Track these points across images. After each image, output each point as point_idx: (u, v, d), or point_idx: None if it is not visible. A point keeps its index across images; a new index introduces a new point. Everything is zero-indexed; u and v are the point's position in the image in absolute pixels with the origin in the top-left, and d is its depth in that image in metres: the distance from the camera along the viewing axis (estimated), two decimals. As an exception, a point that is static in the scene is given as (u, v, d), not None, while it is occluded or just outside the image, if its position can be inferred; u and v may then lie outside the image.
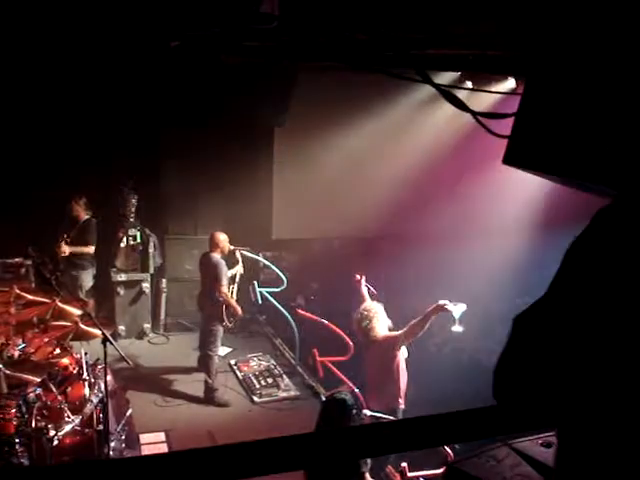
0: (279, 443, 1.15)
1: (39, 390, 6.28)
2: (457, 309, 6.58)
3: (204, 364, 9.04)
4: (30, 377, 6.08)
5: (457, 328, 6.78)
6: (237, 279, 9.56)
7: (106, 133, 9.84)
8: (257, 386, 9.26)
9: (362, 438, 1.17)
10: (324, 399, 5.67)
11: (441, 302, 6.75)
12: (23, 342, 7.16)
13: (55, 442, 5.95)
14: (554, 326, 1.42)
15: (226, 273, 8.96)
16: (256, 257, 10.70)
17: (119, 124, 9.85)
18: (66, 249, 9.91)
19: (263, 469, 1.10)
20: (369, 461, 6.49)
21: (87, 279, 10.35)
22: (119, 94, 9.58)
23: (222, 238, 9.07)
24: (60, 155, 9.74)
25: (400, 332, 6.94)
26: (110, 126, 9.83)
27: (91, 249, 10.15)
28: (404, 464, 6.62)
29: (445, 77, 6.85)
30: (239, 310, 9.09)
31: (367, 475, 6.32)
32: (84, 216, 10.18)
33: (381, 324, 6.98)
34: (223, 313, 8.90)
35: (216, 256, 8.95)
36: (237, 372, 9.63)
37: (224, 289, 8.87)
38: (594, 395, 1.33)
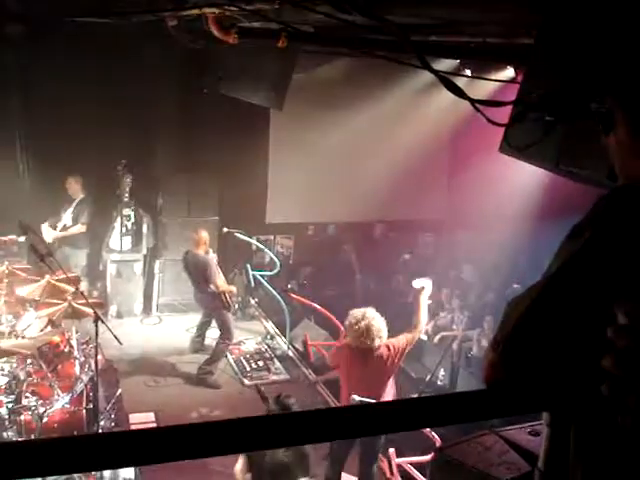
0: (263, 421, 1.15)
1: (29, 367, 6.29)
2: (422, 282, 6.54)
3: (215, 352, 9.09)
4: (21, 352, 6.08)
5: (417, 283, 6.71)
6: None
7: (101, 112, 9.77)
8: (248, 369, 9.29)
9: (351, 418, 1.18)
10: (270, 401, 5.46)
11: (415, 286, 6.61)
12: (14, 319, 7.16)
13: (44, 419, 5.96)
14: (549, 311, 1.43)
15: (216, 267, 8.97)
16: (250, 240, 10.70)
17: (114, 103, 9.78)
18: (56, 235, 9.97)
19: (242, 446, 1.10)
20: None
21: (80, 257, 10.35)
22: (114, 72, 9.53)
23: (204, 235, 9.05)
24: (55, 133, 9.67)
25: (410, 334, 6.43)
26: (105, 105, 9.76)
27: (83, 228, 10.16)
28: (392, 450, 6.66)
29: (444, 64, 6.82)
30: (234, 290, 9.25)
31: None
32: (79, 195, 10.18)
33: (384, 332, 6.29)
34: (225, 301, 8.93)
35: (202, 254, 8.94)
36: (228, 354, 9.65)
37: (219, 282, 8.89)
38: (586, 382, 1.33)
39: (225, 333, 9.05)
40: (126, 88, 9.70)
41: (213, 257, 9.15)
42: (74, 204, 10.19)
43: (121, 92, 9.73)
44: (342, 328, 8.83)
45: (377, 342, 6.16)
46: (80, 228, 10.17)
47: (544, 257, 1.61)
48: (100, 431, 6.41)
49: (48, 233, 9.93)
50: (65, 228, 10.16)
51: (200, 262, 8.88)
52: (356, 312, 6.32)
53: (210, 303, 9.06)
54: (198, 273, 8.94)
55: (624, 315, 1.24)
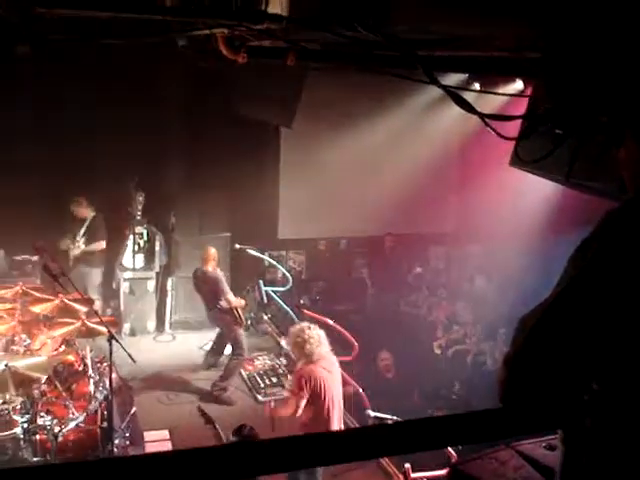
0: (282, 443, 1.15)
1: (44, 386, 6.31)
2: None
3: (229, 368, 9.10)
4: (35, 374, 6.10)
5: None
6: None
7: (113, 131, 9.84)
8: (261, 385, 9.26)
9: (367, 439, 1.18)
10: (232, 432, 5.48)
11: None
12: (29, 339, 7.19)
13: (59, 438, 5.98)
14: (560, 327, 1.43)
15: (225, 282, 9.01)
16: (261, 256, 10.71)
17: (126, 123, 9.85)
18: (77, 251, 10.02)
19: (265, 468, 1.11)
20: None
21: (96, 276, 10.40)
22: (125, 92, 9.61)
23: (212, 252, 9.14)
24: (67, 153, 9.75)
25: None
26: (117, 125, 9.84)
27: (102, 244, 10.23)
28: (407, 465, 6.62)
29: (453, 78, 6.83)
30: (243, 303, 9.28)
31: None
32: (89, 214, 10.22)
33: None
34: (237, 317, 8.96)
35: (210, 270, 8.99)
36: (242, 371, 9.63)
37: (230, 297, 8.92)
38: (601, 397, 1.33)
39: (237, 349, 9.06)
40: (137, 107, 9.78)
41: (221, 274, 9.18)
42: (86, 224, 10.23)
43: (132, 111, 9.80)
44: (355, 343, 8.83)
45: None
46: (99, 245, 10.24)
47: (556, 269, 1.61)
48: (115, 449, 6.42)
49: (70, 249, 9.99)
50: (79, 247, 10.20)
51: (209, 278, 8.93)
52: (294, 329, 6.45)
53: (221, 319, 9.07)
54: (208, 289, 8.99)
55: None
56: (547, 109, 3.28)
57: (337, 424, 6.35)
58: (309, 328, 6.33)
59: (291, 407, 6.21)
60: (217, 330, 9.60)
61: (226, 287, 8.94)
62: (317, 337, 6.26)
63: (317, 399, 6.15)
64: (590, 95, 2.89)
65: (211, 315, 9.28)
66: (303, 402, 6.07)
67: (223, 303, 8.87)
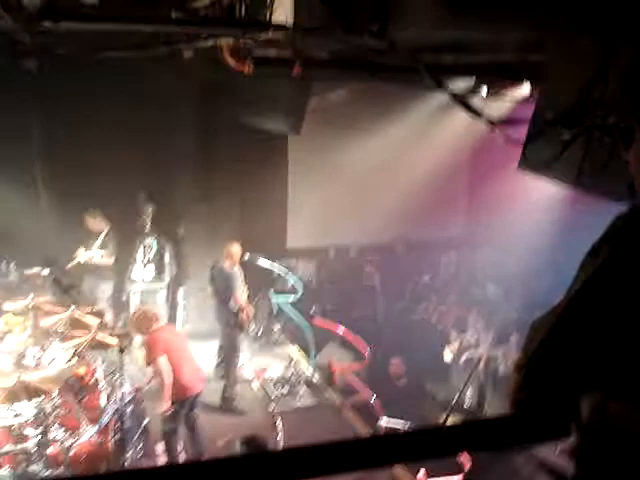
0: (293, 453, 1.14)
1: (56, 400, 6.30)
2: None
3: (226, 375, 9.05)
4: (47, 387, 6.10)
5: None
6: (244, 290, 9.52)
7: (120, 144, 9.87)
8: (273, 395, 9.25)
9: (379, 447, 1.17)
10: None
11: None
12: (40, 352, 7.21)
13: (71, 452, 5.97)
14: (572, 332, 1.41)
15: (240, 282, 8.99)
16: (271, 266, 10.71)
17: (133, 135, 9.89)
18: (88, 258, 9.99)
19: (275, 478, 1.10)
20: None
21: (107, 289, 10.39)
22: (133, 104, 9.64)
23: (235, 250, 9.11)
24: (76, 165, 9.79)
25: None
26: (124, 137, 9.87)
27: (111, 260, 10.20)
28: (422, 471, 6.59)
29: (460, 84, 6.83)
30: (252, 310, 9.22)
31: None
32: (102, 228, 10.21)
33: None
34: (242, 321, 8.93)
35: (228, 267, 8.98)
36: (253, 381, 9.63)
37: (240, 296, 8.89)
38: (614, 402, 1.32)
39: (232, 351, 9.04)
40: (144, 119, 9.81)
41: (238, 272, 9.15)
42: (101, 237, 10.20)
43: (140, 124, 9.83)
44: (366, 351, 8.80)
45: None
46: (109, 261, 10.21)
47: (568, 273, 1.59)
48: (127, 462, 6.41)
49: (83, 256, 10.00)
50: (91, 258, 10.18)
51: (225, 274, 8.95)
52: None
53: (228, 320, 9.03)
54: (222, 284, 8.99)
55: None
56: (554, 112, 3.27)
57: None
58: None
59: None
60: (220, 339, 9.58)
61: (238, 286, 8.92)
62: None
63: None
64: (598, 97, 2.88)
65: (219, 315, 9.24)
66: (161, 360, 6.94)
67: (232, 303, 8.85)
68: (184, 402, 7.22)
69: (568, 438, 1.47)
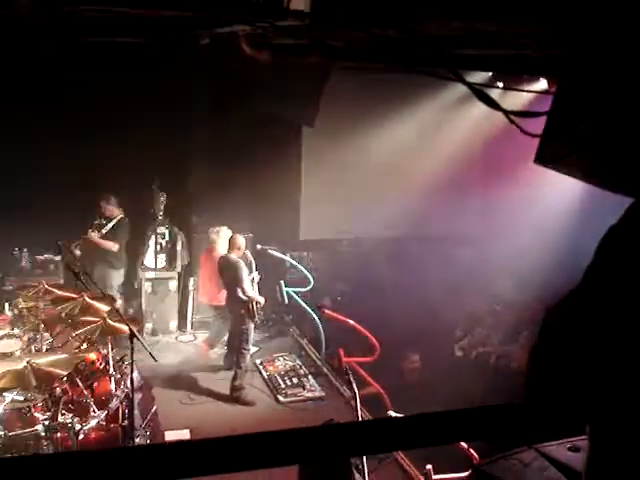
0: (298, 434, 1.12)
1: (66, 384, 6.33)
2: None
3: (236, 363, 9.06)
4: (57, 371, 6.12)
5: None
6: (255, 280, 9.49)
7: (134, 131, 9.88)
8: (282, 386, 9.25)
9: (380, 432, 1.15)
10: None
11: None
12: (51, 337, 7.24)
13: (80, 436, 6.00)
14: (587, 320, 1.39)
15: (247, 272, 8.99)
16: (283, 257, 10.70)
17: (148, 122, 9.89)
18: (95, 237, 9.96)
19: (281, 460, 1.08)
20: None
21: (117, 276, 10.39)
22: (147, 91, 9.64)
23: (241, 241, 9.12)
24: (88, 152, 9.81)
25: None
26: (138, 124, 9.87)
27: (116, 247, 10.15)
28: (429, 467, 6.56)
29: (476, 77, 6.78)
30: (262, 300, 9.17)
31: None
32: (117, 214, 10.20)
33: None
34: (251, 311, 8.93)
35: (234, 257, 8.99)
36: (263, 371, 9.63)
37: (247, 287, 8.89)
38: (629, 395, 1.29)
39: (243, 343, 9.00)
40: (159, 107, 9.81)
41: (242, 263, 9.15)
42: (113, 222, 10.18)
43: (154, 111, 9.84)
44: (376, 344, 8.78)
45: None
46: (114, 245, 10.14)
47: (581, 269, 1.57)
48: (136, 448, 6.43)
49: (91, 236, 9.98)
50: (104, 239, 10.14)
51: (231, 264, 8.95)
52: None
53: (238, 310, 9.03)
54: (229, 275, 9.00)
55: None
56: (572, 106, 3.23)
57: None
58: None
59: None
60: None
61: (245, 277, 8.91)
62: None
63: None
64: (616, 91, 2.84)
65: (229, 304, 9.26)
66: None
67: (240, 293, 8.86)
68: None
69: (581, 430, 1.45)
